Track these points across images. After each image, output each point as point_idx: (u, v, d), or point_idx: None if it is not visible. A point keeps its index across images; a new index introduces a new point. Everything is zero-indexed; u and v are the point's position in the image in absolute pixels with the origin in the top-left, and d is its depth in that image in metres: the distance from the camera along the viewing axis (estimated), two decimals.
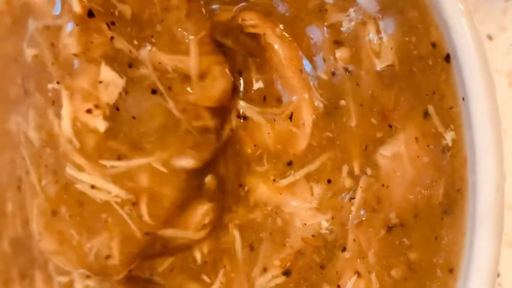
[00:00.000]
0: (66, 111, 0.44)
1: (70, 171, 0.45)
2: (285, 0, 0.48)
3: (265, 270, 0.49)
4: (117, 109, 0.44)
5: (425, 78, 0.44)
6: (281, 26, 0.47)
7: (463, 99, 0.42)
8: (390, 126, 0.45)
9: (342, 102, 0.46)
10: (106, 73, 0.44)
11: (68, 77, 0.44)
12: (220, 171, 0.48)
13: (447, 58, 0.43)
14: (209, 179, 0.47)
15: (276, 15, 0.48)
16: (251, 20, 0.48)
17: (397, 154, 0.44)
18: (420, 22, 0.44)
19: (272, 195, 0.47)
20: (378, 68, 0.45)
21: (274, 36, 0.47)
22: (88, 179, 0.45)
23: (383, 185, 0.45)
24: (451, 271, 0.43)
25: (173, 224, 0.46)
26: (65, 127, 0.44)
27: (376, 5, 0.45)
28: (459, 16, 0.41)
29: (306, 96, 0.47)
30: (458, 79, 0.42)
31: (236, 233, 0.49)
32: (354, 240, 0.45)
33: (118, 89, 0.44)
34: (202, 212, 0.48)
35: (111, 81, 0.44)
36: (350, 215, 0.46)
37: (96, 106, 0.44)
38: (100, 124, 0.44)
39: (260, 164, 0.48)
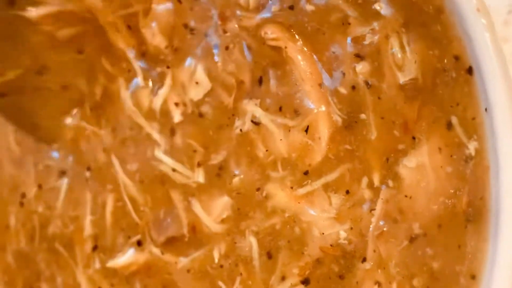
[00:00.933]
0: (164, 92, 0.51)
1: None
2: (307, 13, 0.49)
3: (283, 278, 0.49)
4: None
5: (449, 90, 0.45)
6: (300, 40, 0.48)
7: (486, 109, 0.43)
8: (414, 138, 0.46)
9: (363, 115, 0.47)
10: (201, 75, 0.50)
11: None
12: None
13: (470, 70, 0.44)
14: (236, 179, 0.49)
15: (298, 28, 0.49)
16: (273, 34, 0.49)
17: (421, 165, 0.45)
18: (443, 35, 0.45)
19: (290, 202, 0.48)
20: (401, 82, 0.46)
21: (295, 50, 0.48)
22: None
23: (406, 196, 0.46)
24: (473, 277, 0.44)
25: None
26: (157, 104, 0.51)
27: (399, 19, 0.46)
28: (482, 30, 0.43)
29: (324, 109, 0.48)
30: (480, 90, 0.44)
31: (253, 240, 0.49)
32: (374, 251, 0.46)
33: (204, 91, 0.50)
34: (222, 204, 0.49)
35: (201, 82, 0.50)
36: (370, 226, 0.46)
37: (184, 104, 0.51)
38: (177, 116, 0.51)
39: (275, 170, 0.48)
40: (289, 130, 0.48)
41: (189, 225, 0.51)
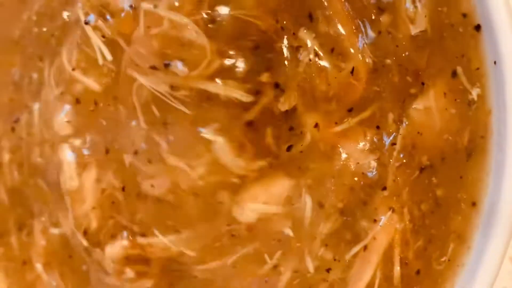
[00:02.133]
0: None
1: None
2: None
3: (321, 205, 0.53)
4: None
5: (455, 43, 0.51)
6: None
7: (494, 62, 0.50)
8: (423, 84, 0.52)
9: (388, 61, 0.52)
10: None
11: None
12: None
13: (478, 27, 0.51)
14: None
15: None
16: None
17: (428, 107, 0.52)
18: None
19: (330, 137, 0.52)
20: (412, 33, 0.52)
21: None
22: None
23: (418, 133, 0.52)
24: (474, 204, 0.51)
25: None
26: None
27: None
28: None
29: (360, 57, 0.53)
30: (487, 44, 0.50)
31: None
32: (393, 180, 0.52)
33: None
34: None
35: None
36: (391, 159, 0.52)
37: None
38: None
39: (328, 103, 0.52)
40: (340, 71, 0.52)
41: None
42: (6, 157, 0.60)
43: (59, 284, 0.58)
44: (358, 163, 0.52)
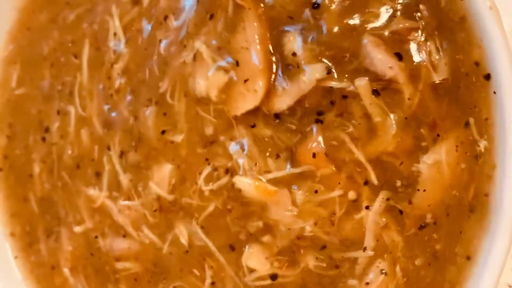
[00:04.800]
0: None
1: None
2: None
3: None
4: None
5: (469, 93, 0.50)
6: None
7: (494, 92, 0.48)
8: (438, 135, 0.50)
9: (377, 118, 0.50)
10: None
11: None
12: None
13: (487, 76, 0.49)
14: None
15: None
16: None
17: (438, 161, 0.50)
18: (466, 42, 0.49)
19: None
20: (436, 81, 0.50)
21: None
22: None
23: (418, 190, 0.51)
24: (468, 258, 0.51)
25: None
26: None
27: (433, 22, 0.50)
28: (498, 37, 0.47)
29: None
30: (494, 94, 0.49)
31: None
32: (377, 240, 0.52)
33: None
34: None
35: None
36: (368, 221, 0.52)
37: None
38: None
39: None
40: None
41: None
42: (37, 169, 0.65)
43: (84, 287, 0.64)
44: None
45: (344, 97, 0.50)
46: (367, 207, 0.51)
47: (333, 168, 0.51)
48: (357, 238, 0.52)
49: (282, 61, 0.52)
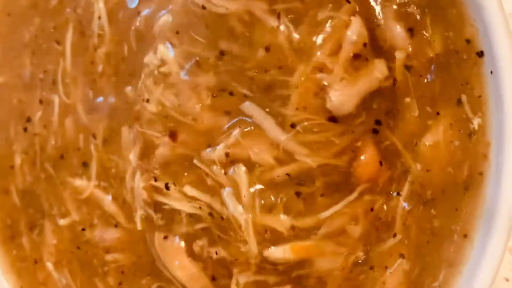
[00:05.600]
0: None
1: None
2: None
3: None
4: None
5: (460, 70, 0.50)
6: None
7: (491, 72, 0.48)
8: (438, 113, 0.50)
9: (407, 99, 0.50)
10: None
11: None
12: None
13: (481, 53, 0.49)
14: None
15: None
16: None
17: (437, 141, 0.50)
18: (457, 19, 0.50)
19: None
20: (431, 55, 0.50)
21: None
22: None
23: (427, 171, 0.51)
24: (465, 236, 0.51)
25: None
26: None
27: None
28: (496, 13, 0.47)
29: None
30: (488, 71, 0.49)
31: None
32: (403, 224, 0.52)
33: None
34: None
35: None
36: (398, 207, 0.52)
37: None
38: None
39: None
40: None
41: None
42: (18, 160, 0.62)
43: (69, 282, 0.62)
44: None
45: None
46: (398, 193, 0.51)
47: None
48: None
49: None
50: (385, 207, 0.51)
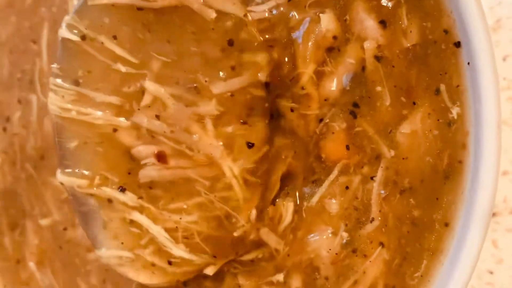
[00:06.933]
0: None
1: None
2: None
3: None
4: None
5: (438, 60, 0.50)
6: None
7: (468, 63, 0.48)
8: (414, 103, 0.51)
9: (378, 88, 0.51)
10: None
11: None
12: None
13: (458, 44, 0.49)
14: None
15: None
16: None
17: (414, 130, 0.51)
18: (435, 9, 0.50)
19: None
20: (407, 45, 0.50)
21: None
22: None
23: (403, 158, 0.51)
24: (446, 225, 0.51)
25: None
26: None
27: None
28: (472, 5, 0.48)
29: None
30: (466, 61, 0.49)
31: None
32: (380, 210, 0.52)
33: None
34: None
35: None
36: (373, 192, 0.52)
37: None
38: None
39: None
40: None
41: None
42: None
43: (51, 282, 0.61)
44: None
45: None
46: (372, 178, 0.52)
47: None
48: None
49: None
50: (361, 188, 0.52)
